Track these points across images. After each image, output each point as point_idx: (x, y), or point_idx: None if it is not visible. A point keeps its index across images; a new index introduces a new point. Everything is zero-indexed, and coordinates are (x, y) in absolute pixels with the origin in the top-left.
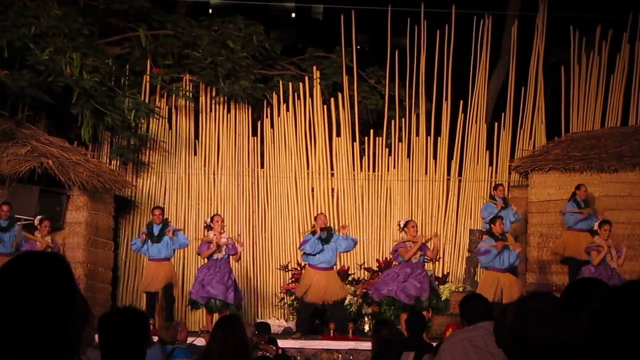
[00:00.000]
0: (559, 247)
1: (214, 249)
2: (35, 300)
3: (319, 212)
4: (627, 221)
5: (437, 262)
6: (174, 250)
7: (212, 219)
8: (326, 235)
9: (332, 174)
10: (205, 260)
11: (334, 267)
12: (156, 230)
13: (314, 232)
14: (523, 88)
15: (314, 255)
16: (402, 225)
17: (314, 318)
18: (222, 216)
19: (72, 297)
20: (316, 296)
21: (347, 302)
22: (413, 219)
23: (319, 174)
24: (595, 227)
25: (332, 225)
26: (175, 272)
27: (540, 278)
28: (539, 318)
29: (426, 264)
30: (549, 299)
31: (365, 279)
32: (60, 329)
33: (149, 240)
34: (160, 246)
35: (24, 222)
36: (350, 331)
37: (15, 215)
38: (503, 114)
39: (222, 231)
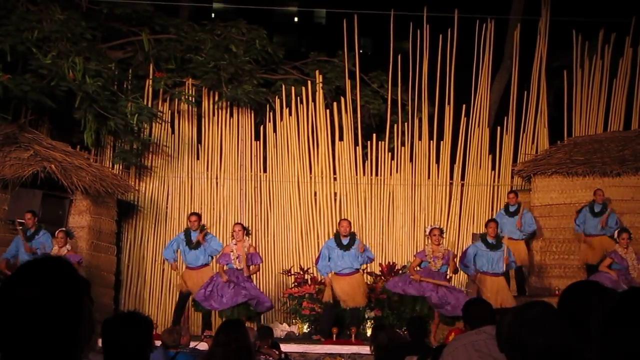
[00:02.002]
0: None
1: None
2: (45, 307)
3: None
4: (629, 225)
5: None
6: (211, 257)
7: (232, 229)
8: (347, 242)
9: (335, 178)
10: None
11: (358, 271)
12: (193, 236)
13: (336, 235)
14: (525, 92)
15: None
16: (427, 232)
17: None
18: (241, 224)
19: (79, 302)
20: (343, 301)
21: None
22: (436, 225)
23: (322, 178)
24: (615, 235)
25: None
26: None
27: (543, 282)
28: (535, 327)
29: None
30: (544, 307)
31: (368, 283)
32: (69, 336)
33: (187, 247)
34: (198, 253)
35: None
36: (353, 335)
37: (18, 220)
38: (506, 118)
39: (242, 240)
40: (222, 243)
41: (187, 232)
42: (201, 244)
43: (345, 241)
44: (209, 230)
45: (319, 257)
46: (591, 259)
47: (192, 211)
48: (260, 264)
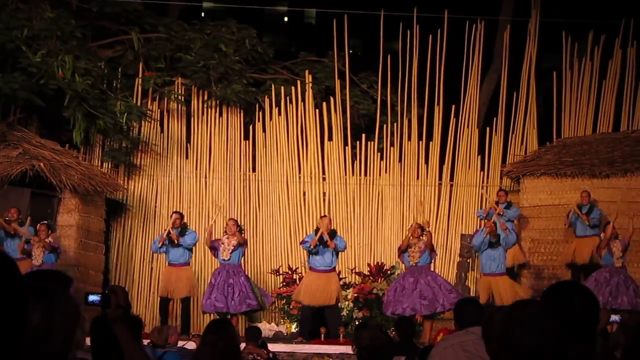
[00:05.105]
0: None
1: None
2: None
3: (321, 215)
4: (617, 227)
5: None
6: (190, 250)
7: (226, 223)
8: (327, 239)
9: (324, 178)
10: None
11: (335, 270)
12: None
13: (316, 231)
14: (515, 93)
15: (313, 254)
16: (408, 229)
17: (314, 321)
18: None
19: (15, 305)
20: (313, 298)
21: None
22: (417, 222)
23: (311, 178)
24: (602, 235)
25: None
26: (195, 280)
27: (532, 283)
28: (528, 327)
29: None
30: (537, 307)
31: (357, 283)
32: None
33: (169, 245)
34: (180, 250)
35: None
36: (341, 335)
37: (6, 218)
38: (495, 118)
39: (234, 235)
40: (197, 236)
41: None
42: (178, 239)
43: (324, 238)
44: (191, 228)
45: (304, 239)
46: (580, 259)
47: (175, 210)
48: (244, 241)
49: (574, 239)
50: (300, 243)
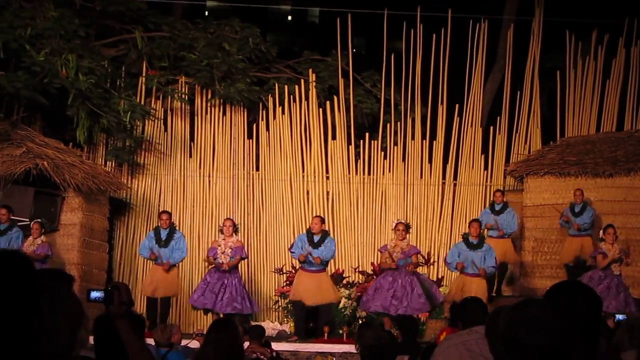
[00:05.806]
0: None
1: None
2: None
3: (315, 214)
4: (621, 226)
5: (431, 266)
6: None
7: (222, 223)
8: (319, 239)
9: (328, 177)
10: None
11: (326, 269)
12: (163, 235)
13: (308, 232)
14: (519, 92)
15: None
16: (393, 225)
17: (308, 320)
18: (232, 219)
19: (28, 297)
20: (306, 298)
21: (341, 305)
22: (402, 221)
23: (314, 177)
24: (601, 234)
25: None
26: (178, 281)
27: (534, 282)
28: (532, 325)
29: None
30: (541, 305)
31: (360, 282)
32: (17, 332)
33: (156, 245)
34: (167, 251)
35: (20, 224)
36: (345, 334)
37: (11, 217)
38: (498, 118)
39: (231, 235)
40: (186, 251)
41: (157, 230)
42: (170, 243)
43: (316, 238)
44: (178, 228)
45: (293, 244)
46: (566, 259)
47: (163, 209)
48: (241, 257)
49: (567, 237)
50: (289, 248)
